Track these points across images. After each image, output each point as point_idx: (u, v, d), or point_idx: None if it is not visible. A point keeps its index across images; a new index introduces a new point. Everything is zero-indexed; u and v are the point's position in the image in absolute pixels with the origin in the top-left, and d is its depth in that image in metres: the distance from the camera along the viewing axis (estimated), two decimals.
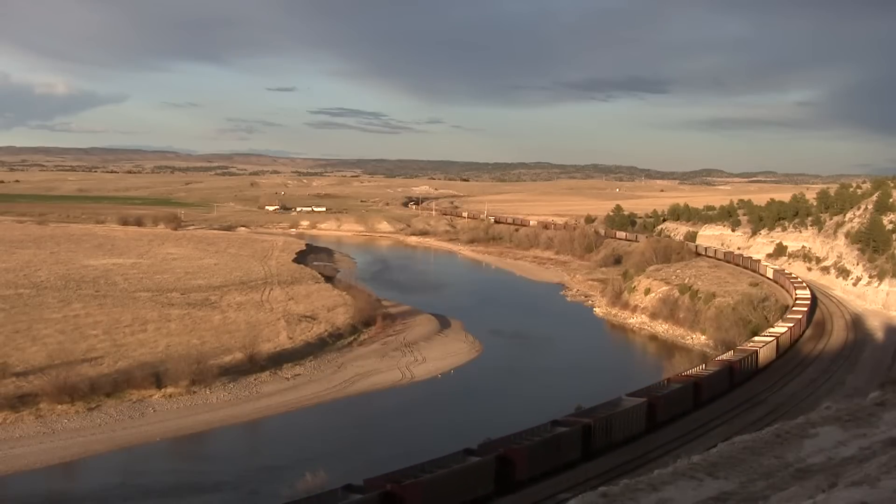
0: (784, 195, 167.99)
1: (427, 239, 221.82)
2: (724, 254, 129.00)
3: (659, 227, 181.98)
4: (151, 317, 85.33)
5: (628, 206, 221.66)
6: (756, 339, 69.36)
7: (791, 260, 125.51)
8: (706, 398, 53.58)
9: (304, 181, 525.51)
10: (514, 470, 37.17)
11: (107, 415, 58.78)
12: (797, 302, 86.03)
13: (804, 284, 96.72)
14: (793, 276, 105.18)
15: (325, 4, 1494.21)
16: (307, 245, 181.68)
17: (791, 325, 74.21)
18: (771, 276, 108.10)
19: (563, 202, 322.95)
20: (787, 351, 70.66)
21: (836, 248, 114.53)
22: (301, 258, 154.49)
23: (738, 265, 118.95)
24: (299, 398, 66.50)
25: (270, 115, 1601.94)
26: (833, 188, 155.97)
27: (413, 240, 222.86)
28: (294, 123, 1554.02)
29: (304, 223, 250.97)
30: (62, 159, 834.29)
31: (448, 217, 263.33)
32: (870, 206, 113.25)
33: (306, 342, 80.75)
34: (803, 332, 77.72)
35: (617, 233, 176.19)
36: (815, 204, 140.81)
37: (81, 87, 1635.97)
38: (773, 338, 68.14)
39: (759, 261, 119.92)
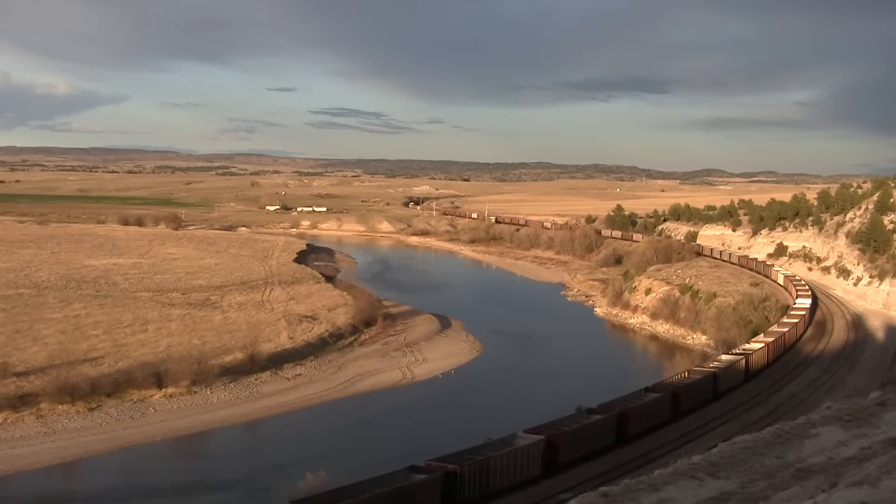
0: (785, 195, 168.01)
1: (428, 239, 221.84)
2: (739, 258, 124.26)
3: (660, 227, 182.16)
4: (152, 317, 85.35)
5: (629, 206, 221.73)
6: (723, 357, 61.58)
7: (792, 260, 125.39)
8: (635, 431, 45.59)
9: (305, 181, 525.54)
10: None
11: (107, 415, 58.81)
12: (790, 313, 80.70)
13: (808, 292, 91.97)
14: (801, 283, 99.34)
15: (326, 4, 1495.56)
16: (308, 245, 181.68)
17: (772, 339, 66.93)
18: (782, 283, 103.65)
19: (564, 202, 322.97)
20: (761, 370, 63.07)
21: (837, 248, 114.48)
22: (302, 258, 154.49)
23: (752, 270, 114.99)
24: (300, 398, 66.51)
25: (271, 115, 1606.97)
26: (834, 188, 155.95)
27: (414, 240, 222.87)
28: (295, 123, 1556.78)
29: (305, 223, 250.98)
30: (63, 159, 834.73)
31: (449, 217, 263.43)
32: (870, 206, 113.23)
33: (307, 342, 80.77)
34: (790, 344, 71.48)
35: (616, 232, 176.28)
36: (815, 204, 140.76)
37: (82, 87, 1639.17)
38: (741, 356, 60.41)
39: (772, 266, 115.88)
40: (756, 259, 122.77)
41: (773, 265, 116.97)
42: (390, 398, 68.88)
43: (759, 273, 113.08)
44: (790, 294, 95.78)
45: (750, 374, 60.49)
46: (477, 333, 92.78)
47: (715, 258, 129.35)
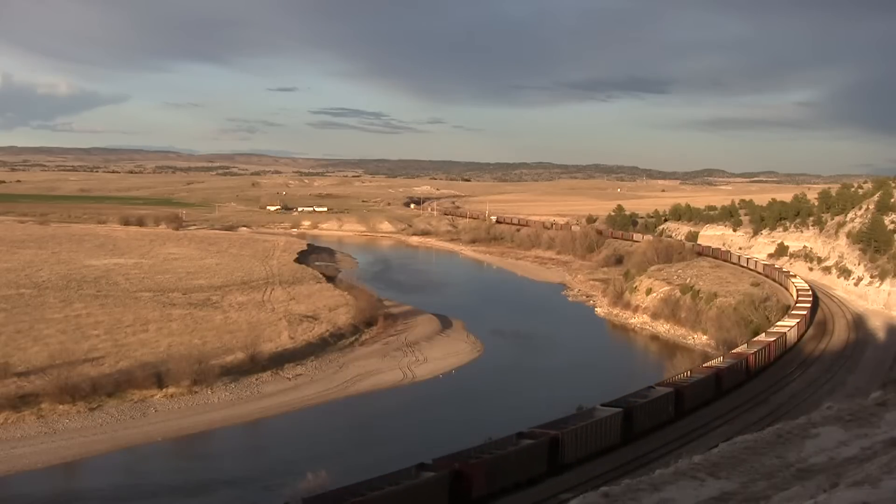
0: (785, 195, 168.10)
1: (429, 239, 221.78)
2: (763, 266, 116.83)
3: (660, 227, 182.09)
4: (153, 317, 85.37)
5: (630, 206, 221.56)
6: (618, 403, 46.80)
7: (792, 260, 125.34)
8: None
9: (306, 181, 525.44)
10: None
11: (108, 415, 58.83)
12: (779, 325, 75.72)
13: (809, 299, 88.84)
14: (807, 292, 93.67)
15: (326, 4, 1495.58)
16: (309, 245, 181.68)
17: (731, 362, 60.74)
18: (794, 295, 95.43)
19: (565, 202, 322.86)
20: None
21: (838, 248, 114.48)
22: (303, 258, 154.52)
23: (775, 280, 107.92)
24: (301, 398, 66.52)
25: (272, 115, 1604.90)
26: (834, 188, 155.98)
27: (415, 240, 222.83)
28: (295, 123, 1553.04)
29: (306, 223, 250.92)
30: (64, 159, 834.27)
31: (450, 217, 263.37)
32: (871, 206, 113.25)
33: (308, 342, 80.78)
34: (770, 359, 66.73)
35: (618, 232, 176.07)
36: (816, 204, 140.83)
37: (83, 87, 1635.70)
38: (658, 394, 49.61)
39: (794, 276, 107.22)
40: (780, 269, 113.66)
41: (794, 276, 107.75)
42: (391, 398, 68.88)
43: (781, 284, 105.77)
44: (795, 299, 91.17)
45: (751, 373, 60.76)
46: (478, 333, 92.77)
47: (741, 265, 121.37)
